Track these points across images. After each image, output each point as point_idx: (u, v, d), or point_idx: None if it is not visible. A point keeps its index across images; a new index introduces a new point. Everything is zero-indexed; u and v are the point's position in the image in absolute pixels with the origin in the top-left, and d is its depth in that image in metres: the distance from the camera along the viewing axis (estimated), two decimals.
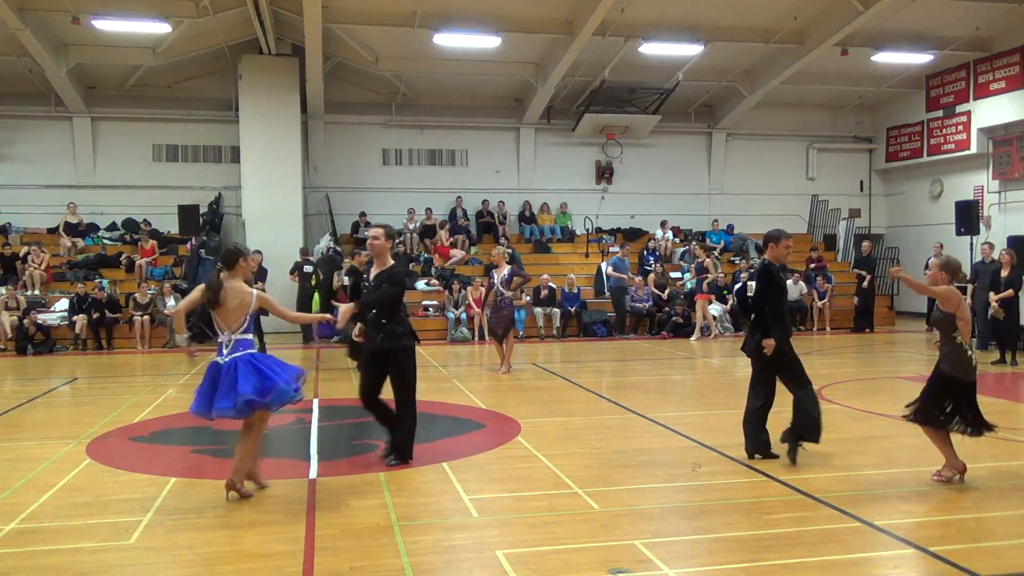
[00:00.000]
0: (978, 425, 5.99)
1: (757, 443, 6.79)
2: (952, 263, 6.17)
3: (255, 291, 5.93)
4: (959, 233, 16.58)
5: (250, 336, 5.91)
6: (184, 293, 17.26)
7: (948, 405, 6.00)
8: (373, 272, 6.73)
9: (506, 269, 12.22)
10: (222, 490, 5.93)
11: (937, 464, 6.12)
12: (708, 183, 23.30)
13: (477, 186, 21.85)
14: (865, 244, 19.49)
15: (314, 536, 5.02)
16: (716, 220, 22.55)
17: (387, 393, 6.74)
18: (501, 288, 12.15)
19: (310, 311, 17.02)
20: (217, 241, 18.66)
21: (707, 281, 17.82)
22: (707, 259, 18.29)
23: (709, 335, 17.47)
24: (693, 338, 17.25)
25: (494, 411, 9.25)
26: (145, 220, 19.91)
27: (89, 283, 17.24)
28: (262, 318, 6.75)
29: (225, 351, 5.76)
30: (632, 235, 22.19)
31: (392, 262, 6.85)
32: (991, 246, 14.82)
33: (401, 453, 6.75)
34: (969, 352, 6.00)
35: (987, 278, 13.89)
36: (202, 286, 5.89)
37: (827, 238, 23.09)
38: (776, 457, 6.70)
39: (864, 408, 9.23)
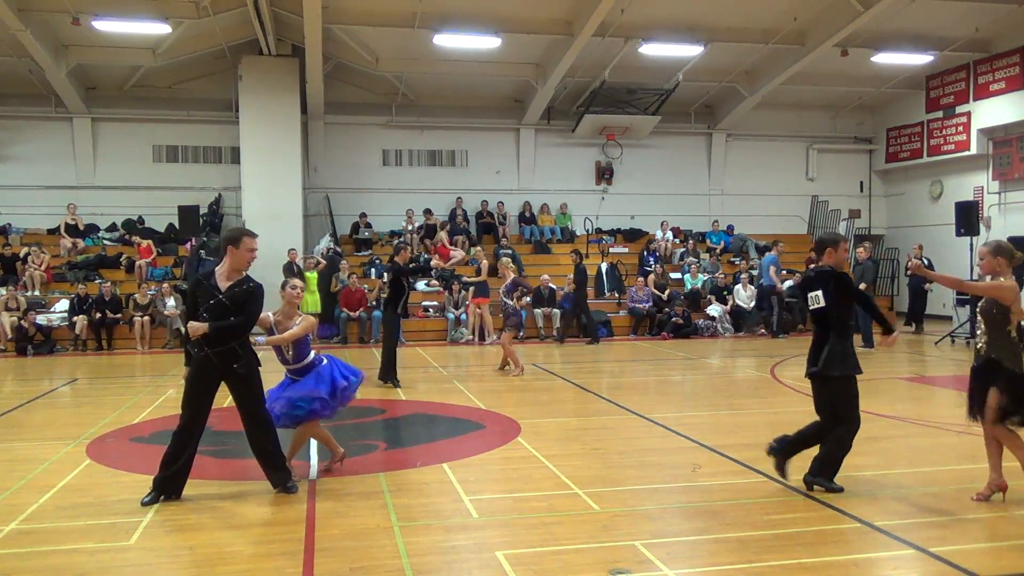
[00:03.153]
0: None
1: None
2: (1005, 246, 5.67)
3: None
4: (959, 234, 16.56)
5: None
6: (184, 293, 17.24)
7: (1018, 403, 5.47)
8: (224, 283, 5.79)
9: (509, 279, 12.60)
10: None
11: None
12: (708, 184, 23.29)
13: (477, 187, 21.85)
14: (860, 250, 19.25)
15: (314, 536, 5.02)
16: (716, 221, 22.57)
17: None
18: (504, 297, 12.52)
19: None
20: (217, 242, 18.64)
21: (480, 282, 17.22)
22: (500, 260, 17.70)
23: (486, 340, 17.02)
24: (488, 341, 16.92)
25: (494, 412, 9.25)
26: (140, 218, 19.93)
27: (91, 284, 17.26)
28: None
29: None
30: (632, 236, 22.19)
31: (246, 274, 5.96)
32: (867, 248, 16.16)
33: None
34: (1021, 344, 5.57)
35: (859, 279, 15.41)
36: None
37: None
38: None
39: (864, 408, 9.19)
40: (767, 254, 18.74)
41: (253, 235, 5.96)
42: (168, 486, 5.78)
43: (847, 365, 5.80)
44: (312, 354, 6.41)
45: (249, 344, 5.96)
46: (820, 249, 6.08)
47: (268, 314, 6.29)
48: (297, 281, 6.64)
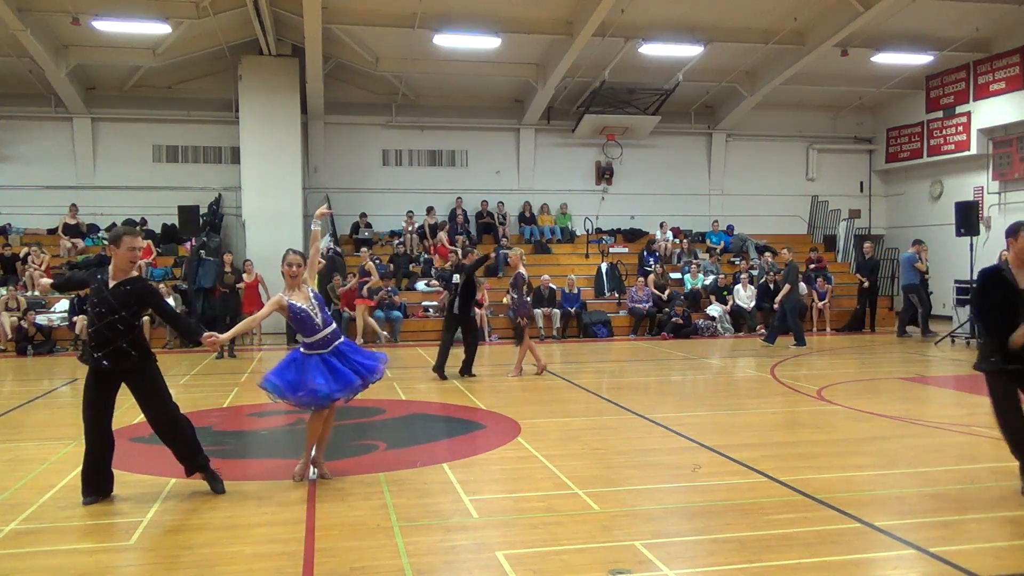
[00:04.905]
0: None
1: None
2: None
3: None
4: (959, 234, 16.54)
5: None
6: (184, 293, 17.26)
7: None
8: (112, 281, 5.75)
9: (519, 271, 12.23)
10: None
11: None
12: (708, 184, 23.30)
13: (477, 187, 21.86)
14: (867, 246, 19.47)
15: (314, 536, 5.02)
16: (716, 221, 22.58)
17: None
18: (512, 291, 12.26)
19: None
20: (217, 242, 18.65)
21: (368, 285, 16.89)
22: (368, 262, 17.18)
23: (379, 341, 16.68)
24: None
25: (494, 412, 9.24)
26: (143, 219, 19.93)
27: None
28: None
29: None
30: (632, 236, 22.20)
31: (135, 273, 5.93)
32: (789, 250, 16.33)
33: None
34: None
35: (784, 281, 15.74)
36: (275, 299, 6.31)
37: (827, 239, 23.09)
38: None
39: (864, 408, 9.22)
40: (906, 252, 17.99)
41: (135, 234, 5.87)
42: (92, 486, 5.82)
43: (980, 361, 5.91)
44: (324, 332, 6.17)
45: (142, 342, 5.93)
46: (1007, 239, 5.88)
47: (281, 295, 6.24)
48: (292, 255, 6.24)
